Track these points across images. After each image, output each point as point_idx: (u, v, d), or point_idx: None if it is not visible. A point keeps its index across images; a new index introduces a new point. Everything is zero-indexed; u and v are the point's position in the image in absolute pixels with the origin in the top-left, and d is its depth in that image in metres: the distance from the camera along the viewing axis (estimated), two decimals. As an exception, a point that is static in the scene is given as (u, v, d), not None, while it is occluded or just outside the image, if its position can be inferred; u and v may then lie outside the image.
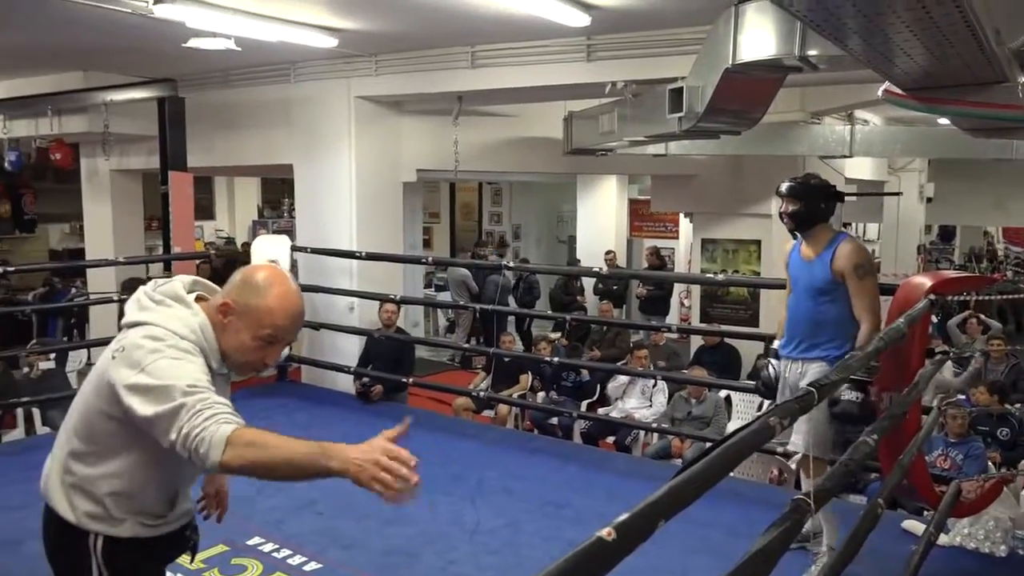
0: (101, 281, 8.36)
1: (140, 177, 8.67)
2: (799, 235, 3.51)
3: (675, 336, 8.52)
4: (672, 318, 10.89)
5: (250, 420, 5.42)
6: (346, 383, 6.44)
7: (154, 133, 6.72)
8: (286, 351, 6.26)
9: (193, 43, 5.36)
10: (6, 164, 8.13)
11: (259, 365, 1.91)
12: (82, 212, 9.08)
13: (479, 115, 7.36)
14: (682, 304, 11.59)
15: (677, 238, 12.39)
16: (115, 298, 7.08)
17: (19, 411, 6.07)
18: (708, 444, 5.40)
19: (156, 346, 1.73)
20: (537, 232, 14.99)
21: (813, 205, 3.40)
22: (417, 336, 9.59)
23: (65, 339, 9.53)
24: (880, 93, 3.84)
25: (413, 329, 9.83)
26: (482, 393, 6.39)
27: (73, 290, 9.73)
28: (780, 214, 3.50)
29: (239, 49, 5.46)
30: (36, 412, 6.12)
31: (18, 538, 3.75)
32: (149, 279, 6.92)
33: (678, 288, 11.11)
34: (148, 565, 2.01)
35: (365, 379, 6.09)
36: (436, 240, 14.56)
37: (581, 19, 4.79)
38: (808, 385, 1.93)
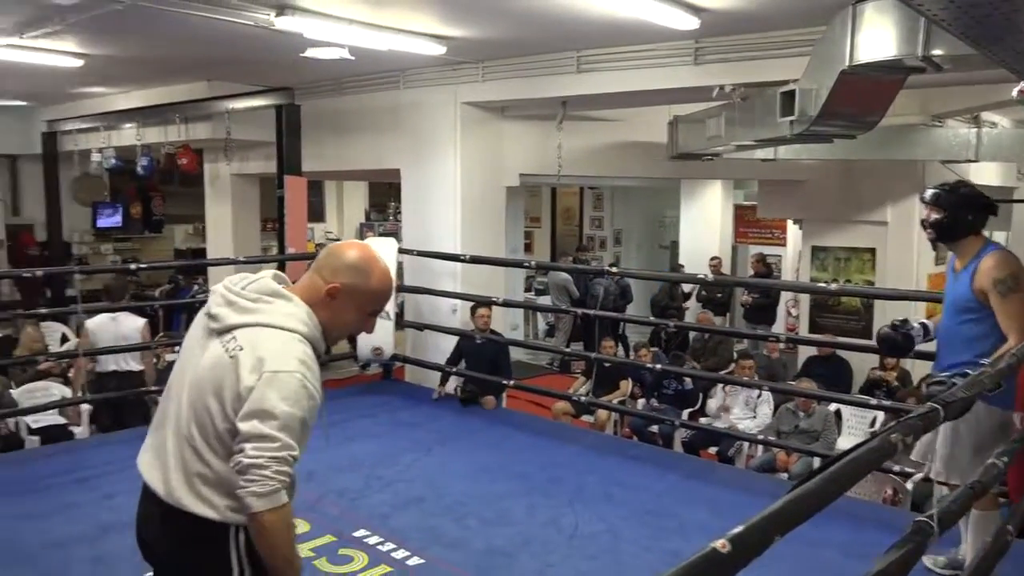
0: (221, 279, 8.79)
1: (258, 181, 9.10)
2: (942, 246, 3.29)
3: (781, 346, 8.25)
4: (778, 327, 10.55)
5: (357, 417, 5.60)
6: (447, 383, 6.54)
7: (272, 139, 7.04)
8: (391, 350, 6.44)
9: (310, 53, 5.59)
10: (138, 169, 8.70)
11: (357, 333, 1.98)
12: (204, 214, 9.62)
13: (583, 119, 7.36)
14: (789, 313, 11.20)
15: (784, 245, 12.00)
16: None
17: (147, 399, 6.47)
18: (816, 459, 5.23)
19: (304, 378, 1.78)
20: (638, 237, 14.84)
21: (959, 216, 3.13)
22: (517, 339, 9.65)
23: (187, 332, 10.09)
24: (1015, 94, 3.61)
25: (512, 332, 9.90)
26: (582, 398, 6.38)
27: (195, 287, 10.30)
28: (921, 222, 3.26)
29: (352, 58, 5.66)
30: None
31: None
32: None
33: (784, 297, 10.75)
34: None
35: (470, 386, 6.15)
36: (537, 244, 14.62)
37: (689, 22, 4.72)
38: (932, 401, 1.83)
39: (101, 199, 11.26)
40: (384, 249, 6.56)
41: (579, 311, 7.41)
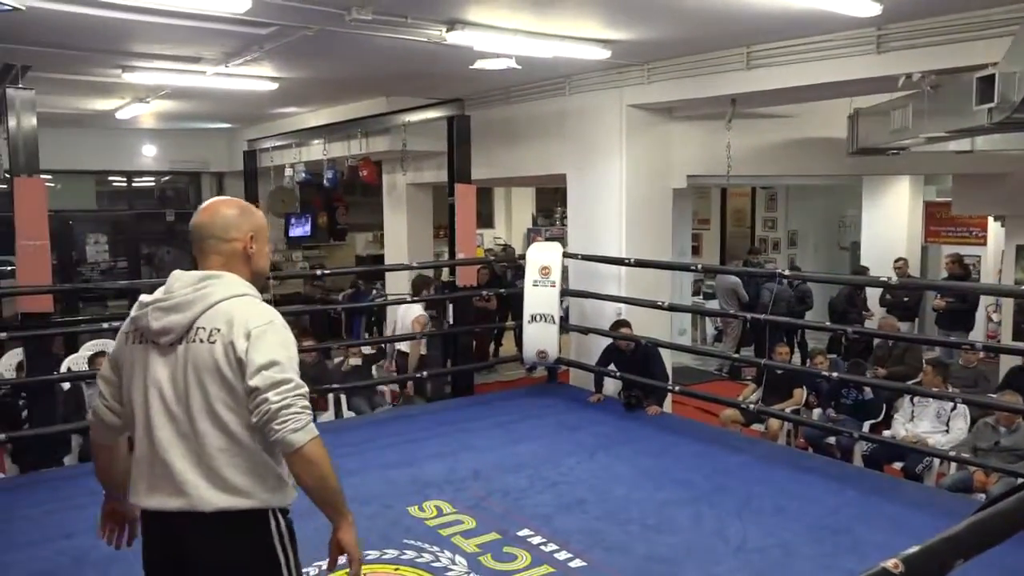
0: (397, 283, 9.29)
1: (431, 189, 9.49)
2: None
3: (980, 355, 7.50)
4: (977, 334, 9.61)
5: (522, 418, 5.71)
6: (610, 387, 6.52)
7: (443, 149, 7.32)
8: (555, 353, 6.49)
9: (479, 64, 5.76)
10: (325, 181, 9.34)
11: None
12: (383, 222, 10.16)
13: (753, 117, 7.08)
14: (989, 319, 10.18)
15: (984, 244, 10.91)
16: (408, 298, 7.84)
17: (330, 396, 6.92)
18: (1021, 480, 4.72)
19: (283, 325, 1.98)
20: (815, 238, 14.04)
21: None
22: (683, 344, 9.44)
23: (367, 335, 10.71)
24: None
25: (680, 337, 9.68)
26: (752, 406, 6.13)
27: (374, 291, 10.89)
28: None
29: (519, 67, 5.77)
30: (343, 398, 6.94)
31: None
32: (438, 280, 7.46)
33: (985, 301, 9.78)
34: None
35: (635, 391, 6.09)
36: (705, 247, 14.21)
37: (871, 8, 4.42)
38: None
39: (293, 211, 12.18)
40: (549, 253, 6.65)
41: (748, 316, 7.11)
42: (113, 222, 12.37)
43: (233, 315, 1.90)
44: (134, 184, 12.74)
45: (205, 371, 1.88)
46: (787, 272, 7.31)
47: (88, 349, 6.66)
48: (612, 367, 6.30)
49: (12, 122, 5.52)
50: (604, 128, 6.81)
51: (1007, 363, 7.43)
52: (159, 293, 1.99)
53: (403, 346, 7.40)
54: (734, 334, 10.48)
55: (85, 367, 6.08)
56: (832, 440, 6.23)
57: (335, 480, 1.92)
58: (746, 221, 14.61)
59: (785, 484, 4.59)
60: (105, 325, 6.07)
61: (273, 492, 1.93)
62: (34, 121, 5.55)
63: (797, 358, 8.86)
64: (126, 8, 4.37)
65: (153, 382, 1.93)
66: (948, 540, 1.07)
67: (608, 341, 6.46)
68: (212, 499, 1.86)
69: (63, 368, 6.02)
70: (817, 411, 6.77)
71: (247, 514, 1.89)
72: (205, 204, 2.07)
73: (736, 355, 9.24)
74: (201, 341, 1.89)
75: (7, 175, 6.31)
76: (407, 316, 7.36)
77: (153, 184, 12.86)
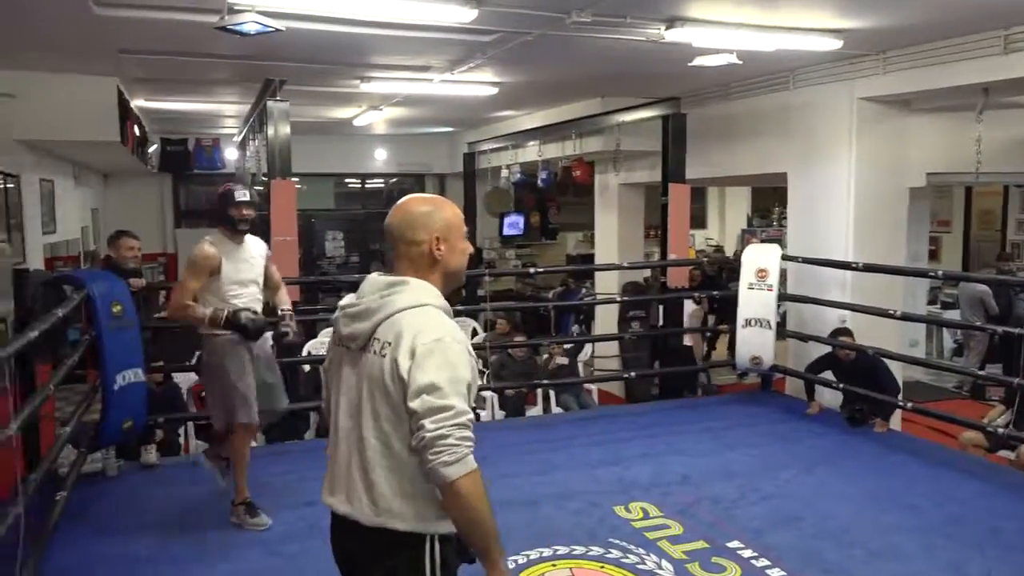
0: (607, 283, 9.33)
1: (643, 190, 9.43)
2: None
3: None
4: None
5: (734, 425, 5.54)
6: (831, 398, 6.12)
7: (657, 149, 7.24)
8: (771, 360, 6.20)
9: (698, 61, 5.64)
10: (539, 181, 9.57)
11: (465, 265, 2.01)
12: (593, 222, 10.24)
13: (1009, 107, 6.33)
14: None
15: None
16: (617, 298, 7.84)
17: (539, 391, 7.09)
18: None
19: (452, 340, 1.85)
20: (1085, 244, 12.28)
21: None
22: (917, 356, 8.64)
23: (575, 332, 10.84)
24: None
25: (912, 349, 8.88)
26: (1000, 429, 5.48)
27: (583, 290, 11.00)
28: None
29: (740, 62, 5.58)
30: (552, 394, 7.08)
31: (535, 499, 4.38)
32: (646, 281, 7.41)
33: None
34: (456, 566, 1.94)
35: (860, 405, 5.69)
36: (945, 251, 12.89)
37: None
38: None
39: (508, 210, 12.61)
40: (767, 256, 6.36)
41: (999, 329, 6.36)
42: (348, 220, 13.56)
43: (403, 329, 1.81)
44: (367, 186, 13.87)
45: (375, 384, 1.84)
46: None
47: (325, 336, 7.32)
48: (829, 376, 5.92)
49: (271, 131, 6.21)
50: (832, 123, 6.39)
51: None
52: (351, 298, 1.97)
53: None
54: (979, 348, 9.41)
55: (323, 352, 6.69)
56: (1101, 476, 5.42)
57: (489, 518, 1.79)
58: (996, 223, 13.07)
59: (1039, 520, 4.07)
60: (338, 314, 6.61)
61: (432, 518, 1.85)
62: (288, 130, 6.21)
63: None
64: (367, 23, 4.76)
65: (343, 385, 1.94)
66: None
67: (828, 349, 6.07)
68: (370, 514, 1.85)
69: (303, 352, 6.66)
70: (1082, 441, 5.92)
71: (403, 535, 1.84)
72: (398, 203, 1.99)
73: (982, 372, 8.30)
74: (375, 353, 1.85)
75: (264, 177, 7.11)
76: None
77: (383, 185, 13.91)
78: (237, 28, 3.83)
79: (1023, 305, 8.05)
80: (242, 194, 4.01)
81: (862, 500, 4.37)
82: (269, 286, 4.30)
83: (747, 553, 3.73)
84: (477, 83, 7.04)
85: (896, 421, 6.15)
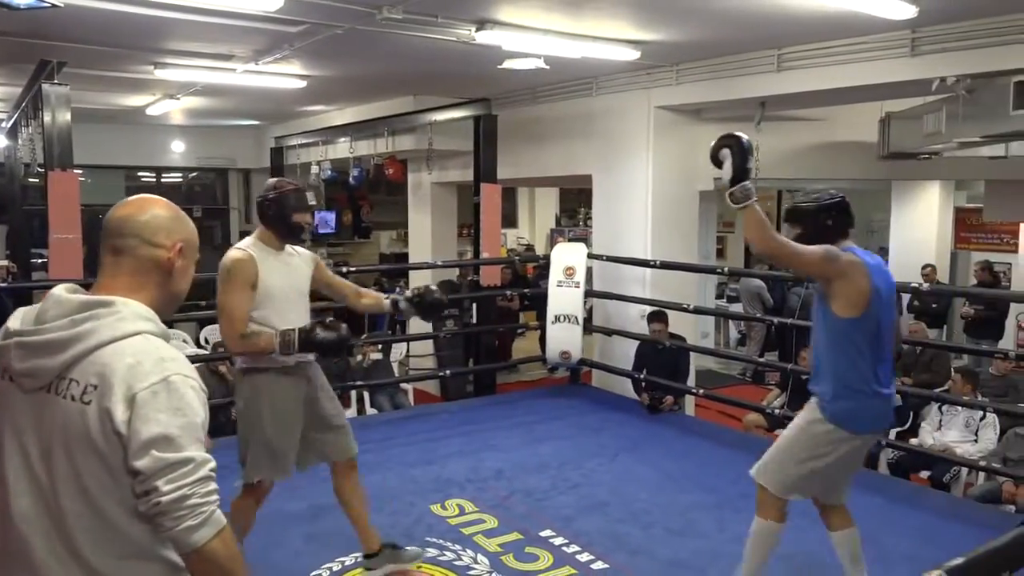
0: (420, 281, 9.30)
1: (455, 189, 9.51)
2: None
3: (1011, 364, 7.39)
4: (1007, 343, 9.47)
5: (545, 419, 5.68)
6: (629, 387, 6.49)
7: (469, 148, 7.33)
8: (579, 354, 6.47)
9: (507, 64, 5.77)
10: (351, 179, 9.38)
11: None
12: (407, 220, 10.19)
13: (782, 119, 7.02)
14: (1020, 328, 10.04)
15: (1015, 251, 10.76)
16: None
17: (353, 393, 6.96)
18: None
19: (179, 377, 1.49)
20: (842, 243, 13.91)
21: None
22: (708, 347, 9.38)
23: (389, 332, 10.74)
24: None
25: (703, 340, 9.63)
26: (776, 411, 6.07)
27: (397, 289, 10.92)
28: None
29: (547, 67, 5.77)
30: (366, 395, 6.97)
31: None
32: (459, 280, 7.46)
33: (1015, 309, 9.64)
34: None
35: (656, 393, 6.08)
36: (730, 250, 14.12)
37: (906, 11, 4.36)
38: None
39: (318, 208, 12.24)
40: (574, 254, 6.64)
41: (774, 320, 7.05)
42: (141, 217, 12.52)
43: (114, 368, 1.42)
44: (163, 180, 12.89)
45: (75, 439, 1.42)
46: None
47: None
48: (644, 371, 6.28)
49: (47, 117, 5.61)
50: (631, 129, 6.78)
51: (1038, 373, 7.31)
52: (26, 318, 1.52)
53: None
54: (758, 338, 10.40)
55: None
56: (858, 447, 6.16)
57: None
58: (772, 224, 14.50)
59: (810, 491, 4.54)
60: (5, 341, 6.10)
61: None
62: (68, 116, 5.64)
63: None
64: (161, 5, 4.42)
65: (15, 429, 1.48)
66: (994, 552, 1.06)
67: (632, 343, 6.44)
68: None
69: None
70: (843, 418, 6.69)
71: None
72: (132, 198, 1.64)
73: (761, 359, 9.17)
74: (71, 398, 1.43)
75: (40, 169, 6.42)
76: None
77: (180, 179, 13.01)
78: (5, 1, 3.42)
79: (795, 298, 8.98)
80: (310, 197, 3.31)
81: (662, 483, 4.68)
82: (345, 293, 3.59)
83: (558, 541, 3.87)
84: (284, 75, 6.76)
85: (690, 406, 6.65)
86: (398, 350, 8.69)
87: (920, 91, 5.28)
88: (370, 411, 6.82)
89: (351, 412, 6.74)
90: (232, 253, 3.12)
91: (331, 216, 12.84)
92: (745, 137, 2.83)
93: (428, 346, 8.76)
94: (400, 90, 8.05)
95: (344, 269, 7.55)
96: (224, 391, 5.78)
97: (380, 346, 7.49)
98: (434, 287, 3.61)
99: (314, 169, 9.81)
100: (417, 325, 9.23)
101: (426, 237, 9.54)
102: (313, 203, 3.36)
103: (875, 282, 2.88)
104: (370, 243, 14.19)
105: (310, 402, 3.27)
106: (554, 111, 7.52)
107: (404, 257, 11.17)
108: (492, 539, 3.89)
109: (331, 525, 3.87)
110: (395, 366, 7.86)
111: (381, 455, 5.09)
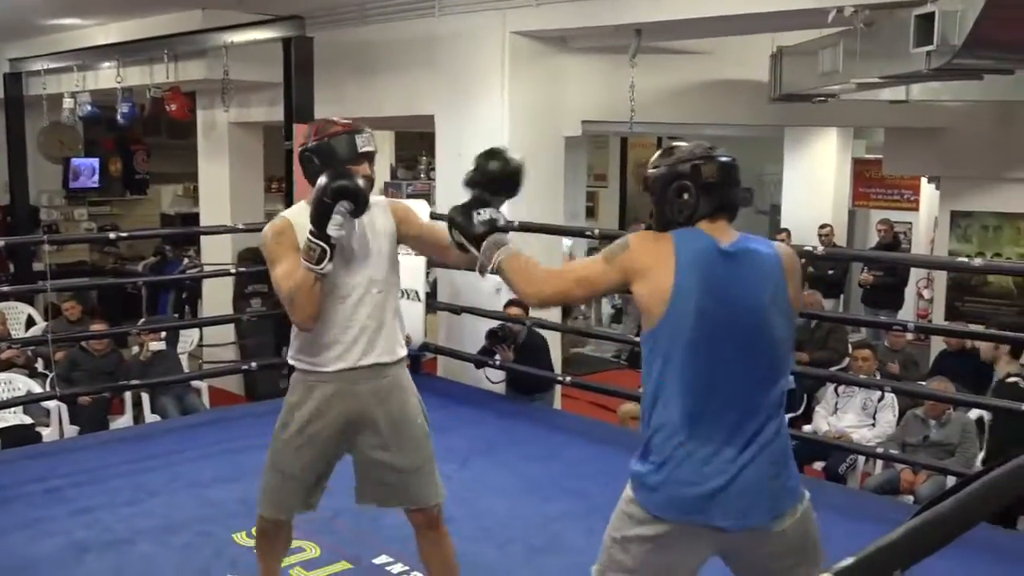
0: (216, 250, 9.00)
1: (261, 131, 9.24)
2: None
3: (910, 337, 8.10)
4: (906, 313, 10.35)
5: (380, 418, 5.34)
6: (491, 377, 6.59)
7: (278, 80, 7.12)
8: (421, 338, 6.48)
9: (324, -28, 5.63)
10: (119, 117, 8.91)
11: None
12: (197, 172, 9.81)
13: (662, 53, 7.27)
14: (920, 296, 10.98)
15: (917, 210, 11.75)
16: (231, 270, 7.62)
17: (127, 395, 6.66)
18: (951, 479, 5.13)
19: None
20: (730, 200, 14.68)
21: None
22: (577, 327, 9.65)
23: (176, 316, 10.35)
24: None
25: (572, 318, 9.90)
26: (656, 400, 6.36)
27: (186, 260, 10.53)
28: None
29: (376, -23, 5.68)
30: (145, 397, 6.70)
31: (128, 537, 4.13)
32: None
33: (916, 275, 10.53)
34: None
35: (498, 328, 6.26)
36: (602, 208, 14.57)
37: (798, -73, 4.62)
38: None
39: (74, 154, 11.55)
40: (413, 214, 6.62)
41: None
42: None
43: None
44: None
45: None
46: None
47: None
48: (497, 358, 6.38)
49: None
50: (482, 60, 6.81)
51: (938, 346, 8.05)
52: None
53: None
54: (636, 313, 10.81)
55: None
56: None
57: None
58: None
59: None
60: None
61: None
62: None
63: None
64: None
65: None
66: (884, 549, 1.15)
67: (485, 322, 6.52)
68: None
69: None
70: (730, 405, 7.10)
71: None
72: None
73: (637, 338, 9.54)
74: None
75: None
76: None
77: None
78: None
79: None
80: (365, 140, 3.12)
81: (523, 491, 4.79)
82: (444, 247, 3.09)
83: (396, 569, 3.90)
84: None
85: (558, 398, 6.83)
86: (188, 338, 8.40)
87: (816, 23, 5.61)
88: (150, 418, 6.57)
89: (125, 420, 6.49)
90: (272, 223, 3.16)
91: (93, 165, 12.16)
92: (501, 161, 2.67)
93: (228, 332, 8.50)
94: (185, 2, 7.68)
95: (113, 235, 7.23)
96: None
97: (164, 333, 7.22)
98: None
99: (67, 103, 9.27)
100: (212, 307, 8.95)
101: (223, 193, 9.22)
102: (370, 147, 3.13)
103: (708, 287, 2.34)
104: (148, 200, 13.59)
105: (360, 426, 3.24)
106: (387, 35, 7.42)
107: (194, 218, 10.75)
108: (313, 571, 3.86)
109: (94, 569, 3.70)
110: (184, 359, 7.59)
111: (167, 473, 4.91)
